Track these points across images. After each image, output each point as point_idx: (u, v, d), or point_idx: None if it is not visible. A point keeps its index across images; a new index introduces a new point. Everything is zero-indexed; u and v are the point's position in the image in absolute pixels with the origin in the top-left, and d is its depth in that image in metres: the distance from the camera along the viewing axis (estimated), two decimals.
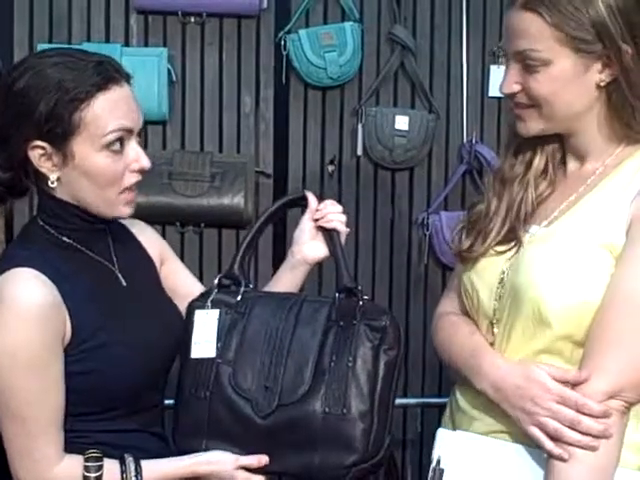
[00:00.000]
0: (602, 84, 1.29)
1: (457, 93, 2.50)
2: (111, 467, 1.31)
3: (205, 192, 2.36)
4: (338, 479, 1.34)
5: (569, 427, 1.23)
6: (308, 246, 1.51)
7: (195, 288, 1.54)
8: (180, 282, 1.55)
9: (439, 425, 1.45)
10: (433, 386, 2.52)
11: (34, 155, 1.31)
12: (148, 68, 2.31)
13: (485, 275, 1.38)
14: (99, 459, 1.30)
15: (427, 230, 2.44)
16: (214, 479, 1.36)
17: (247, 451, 1.36)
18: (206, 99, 2.44)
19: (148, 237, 1.54)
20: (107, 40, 2.40)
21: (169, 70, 2.36)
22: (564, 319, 1.27)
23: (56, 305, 1.29)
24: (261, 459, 1.35)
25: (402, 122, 2.44)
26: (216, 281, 1.45)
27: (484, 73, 2.48)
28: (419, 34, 2.48)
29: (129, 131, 1.33)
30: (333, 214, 1.49)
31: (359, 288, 1.40)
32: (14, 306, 1.27)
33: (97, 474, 1.29)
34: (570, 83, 1.28)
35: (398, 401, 2.34)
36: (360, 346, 1.35)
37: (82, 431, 1.34)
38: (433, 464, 1.36)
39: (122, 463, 1.32)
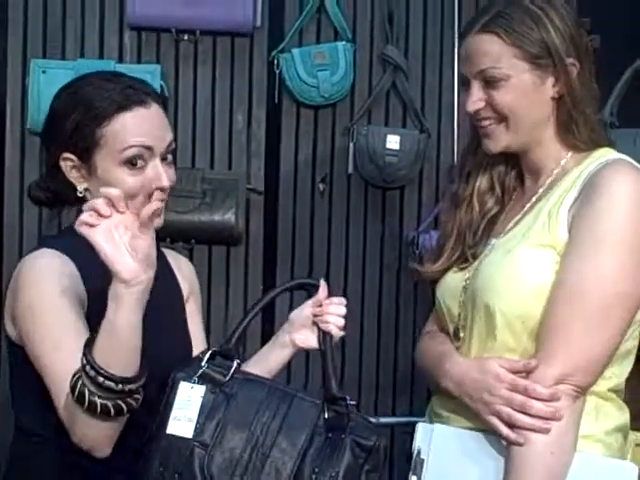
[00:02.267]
0: (555, 96, 1.41)
1: (448, 113, 2.52)
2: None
3: (196, 208, 2.36)
4: None
5: (521, 412, 1.31)
6: (300, 332, 1.45)
7: (197, 340, 1.53)
8: (189, 326, 1.55)
9: (411, 444, 1.46)
10: (422, 405, 2.50)
11: (65, 166, 1.41)
12: None
13: (450, 286, 1.49)
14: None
15: (417, 248, 2.44)
16: None
17: None
18: (198, 116, 2.45)
19: (185, 272, 1.59)
20: (101, 56, 2.41)
21: (162, 87, 2.36)
22: (513, 313, 1.37)
23: (72, 273, 1.36)
24: None
25: (393, 141, 2.45)
26: (207, 355, 1.34)
27: None
28: (411, 54, 2.51)
29: (149, 149, 1.38)
30: (332, 316, 1.42)
31: (347, 399, 1.32)
32: (31, 271, 1.35)
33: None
34: (529, 94, 1.40)
35: (386, 420, 2.36)
36: (345, 462, 1.28)
37: (66, 447, 1.31)
38: (414, 455, 1.42)
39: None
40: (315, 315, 1.44)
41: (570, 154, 1.44)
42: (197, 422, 1.29)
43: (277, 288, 1.47)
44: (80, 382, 1.21)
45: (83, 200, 1.38)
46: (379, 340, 2.53)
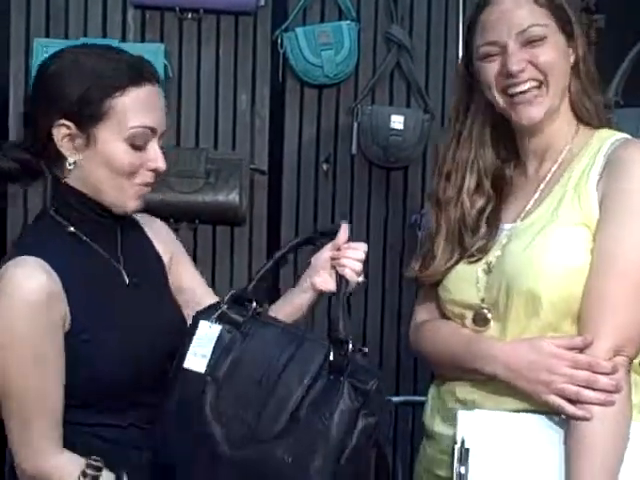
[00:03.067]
0: (572, 65, 1.45)
1: (452, 93, 2.51)
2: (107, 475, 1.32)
3: (200, 189, 2.36)
4: None
5: (586, 388, 1.32)
6: (320, 275, 1.47)
7: (205, 291, 1.57)
8: (190, 285, 1.56)
9: (414, 423, 1.47)
10: (425, 384, 2.52)
11: (58, 133, 1.34)
12: None
13: (462, 277, 1.47)
14: (99, 469, 1.31)
15: (420, 229, 2.45)
16: None
17: (208, 477, 1.33)
18: (202, 96, 2.44)
19: (161, 236, 1.55)
20: (104, 35, 2.40)
21: (166, 66, 2.36)
22: (555, 292, 1.36)
23: (56, 295, 1.30)
24: None
25: (397, 121, 2.45)
26: (227, 297, 1.42)
27: None
28: (415, 34, 2.50)
29: (153, 130, 1.37)
30: (348, 260, 1.43)
31: (350, 343, 1.33)
32: (15, 294, 1.29)
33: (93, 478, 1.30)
34: (562, 56, 1.44)
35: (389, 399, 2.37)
36: (341, 405, 1.29)
37: (77, 423, 1.35)
38: (458, 445, 1.38)
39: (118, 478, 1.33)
40: (333, 259, 1.45)
41: (580, 130, 1.46)
42: (211, 359, 1.36)
43: (299, 238, 1.52)
44: None
45: (56, 174, 1.36)
46: (382, 320, 2.54)
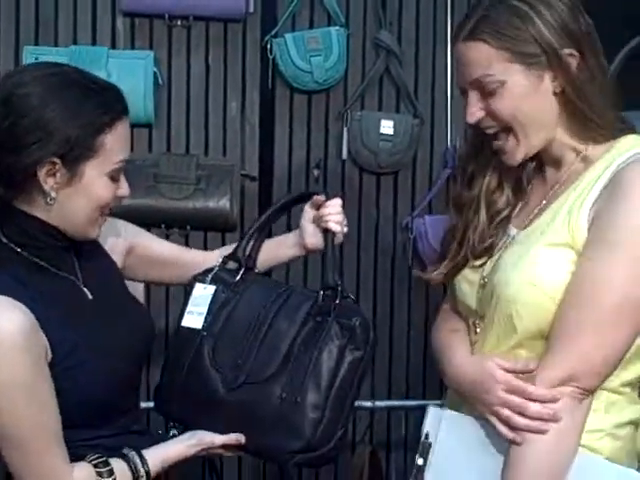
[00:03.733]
0: (557, 91, 1.35)
1: (441, 98, 2.52)
2: (118, 466, 1.36)
3: (191, 195, 2.37)
4: (283, 462, 1.43)
5: (519, 413, 1.31)
6: (309, 234, 1.61)
7: (176, 250, 1.68)
8: (156, 251, 1.63)
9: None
10: (417, 388, 2.53)
11: (45, 171, 1.30)
12: (134, 71, 2.32)
13: (469, 280, 1.46)
14: (107, 463, 1.35)
15: (411, 234, 2.45)
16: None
17: (210, 422, 1.45)
18: (192, 102, 2.45)
19: (111, 235, 1.54)
20: (94, 43, 2.39)
21: (155, 73, 2.36)
22: (530, 315, 1.34)
23: (34, 331, 1.28)
24: (239, 438, 1.43)
25: (387, 126, 2.45)
26: (219, 260, 1.54)
27: None
28: (404, 39, 2.50)
29: (127, 162, 1.38)
30: (331, 215, 1.56)
31: (340, 287, 1.45)
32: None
33: (110, 472, 1.34)
34: (529, 95, 1.34)
35: (382, 403, 2.39)
36: (328, 342, 1.41)
37: (66, 442, 1.35)
38: (422, 438, 1.43)
39: (126, 459, 1.37)
40: (316, 217, 1.59)
41: (590, 145, 1.38)
42: (207, 315, 1.49)
43: (279, 201, 1.65)
44: None
45: (12, 204, 1.32)
46: (374, 323, 2.53)
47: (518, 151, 1.38)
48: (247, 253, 1.57)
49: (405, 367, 2.54)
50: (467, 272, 1.47)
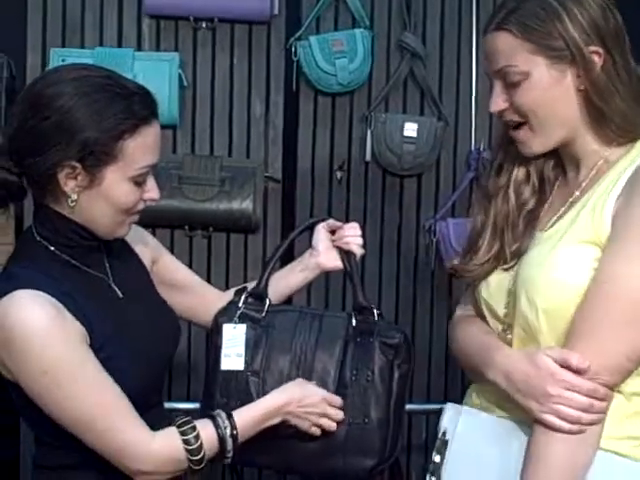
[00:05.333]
0: (581, 88, 1.35)
1: (466, 100, 2.51)
2: (205, 426, 1.37)
3: (214, 196, 2.38)
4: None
5: (575, 407, 1.30)
6: (325, 254, 1.62)
7: (193, 278, 1.67)
8: (176, 275, 1.63)
9: None
10: (438, 392, 2.52)
11: (62, 172, 1.32)
12: (160, 73, 2.33)
13: (494, 287, 1.45)
14: (194, 428, 1.35)
15: (434, 236, 2.45)
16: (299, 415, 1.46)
17: (276, 459, 1.48)
18: (216, 104, 2.46)
19: (139, 240, 1.56)
20: (120, 45, 2.41)
21: (180, 75, 2.37)
22: (554, 315, 1.34)
23: (65, 316, 1.30)
24: (337, 401, 1.48)
25: (411, 129, 2.45)
26: (243, 297, 1.55)
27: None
28: (429, 41, 2.50)
29: (153, 167, 1.38)
30: (352, 237, 1.60)
31: (374, 307, 1.53)
32: (27, 334, 1.27)
33: (196, 437, 1.35)
34: (550, 90, 1.35)
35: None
36: (377, 361, 1.49)
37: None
38: (439, 435, 1.45)
39: (213, 420, 1.38)
40: (334, 240, 1.61)
41: (613, 146, 1.37)
42: (245, 355, 1.50)
43: (295, 230, 1.67)
44: (199, 440, 1.34)
45: (45, 202, 1.35)
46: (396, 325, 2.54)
47: (534, 142, 1.39)
48: (266, 286, 1.59)
49: (427, 370, 2.53)
50: (493, 279, 1.46)
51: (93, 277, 1.42)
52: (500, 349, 1.40)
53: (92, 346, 1.33)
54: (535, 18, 1.33)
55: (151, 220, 1.60)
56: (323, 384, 1.48)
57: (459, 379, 2.45)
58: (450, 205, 2.49)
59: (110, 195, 1.34)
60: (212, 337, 1.53)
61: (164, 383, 1.54)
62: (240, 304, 1.53)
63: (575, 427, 1.30)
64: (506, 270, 1.44)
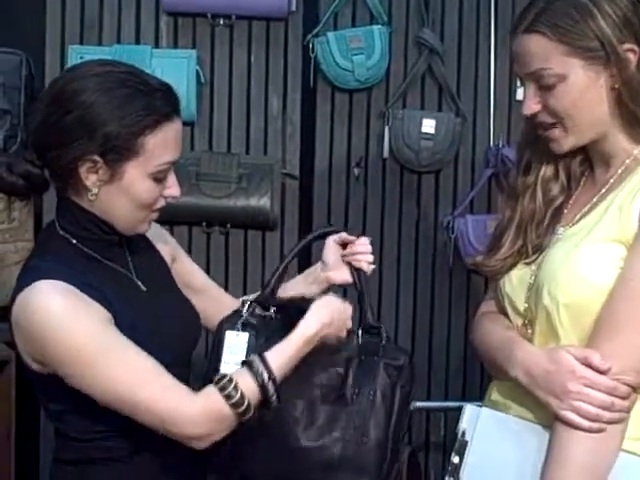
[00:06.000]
0: (615, 87, 1.33)
1: (484, 96, 2.50)
2: (242, 376, 1.34)
3: (232, 193, 2.38)
4: None
5: (596, 405, 1.28)
6: (335, 269, 1.58)
7: (209, 282, 1.66)
8: (193, 278, 1.62)
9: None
10: (456, 390, 2.52)
11: (84, 166, 1.33)
12: (177, 70, 2.33)
13: (515, 282, 1.44)
14: (225, 376, 1.33)
15: (452, 233, 2.44)
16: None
17: (274, 469, 1.43)
18: (234, 101, 2.46)
19: (159, 238, 1.57)
20: (137, 42, 2.42)
21: (198, 72, 2.38)
22: (576, 314, 1.33)
23: (86, 301, 1.31)
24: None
25: (429, 125, 2.44)
26: (247, 305, 1.50)
27: (511, 77, 2.47)
28: (447, 37, 2.49)
29: (174, 163, 1.38)
30: (363, 254, 1.55)
31: (382, 327, 1.49)
32: (51, 318, 1.28)
33: (235, 389, 1.32)
34: (586, 92, 1.33)
35: (421, 404, 2.38)
36: (380, 381, 1.45)
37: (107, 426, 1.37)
38: (458, 436, 1.43)
39: (250, 368, 1.35)
40: (344, 255, 1.57)
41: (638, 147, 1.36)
42: None
43: (304, 239, 1.61)
44: (241, 388, 1.32)
45: (66, 195, 1.36)
46: (414, 325, 2.54)
47: (566, 141, 1.37)
48: (274, 295, 1.54)
49: (445, 368, 2.52)
50: (516, 273, 1.45)
51: (115, 271, 1.43)
52: (521, 346, 1.39)
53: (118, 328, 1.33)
54: (567, 18, 1.30)
55: (169, 217, 1.60)
56: (323, 398, 1.45)
57: (478, 377, 2.44)
58: (468, 202, 2.48)
59: (130, 190, 1.35)
60: (214, 342, 1.49)
61: (188, 380, 1.50)
62: (244, 312, 1.49)
63: (595, 425, 1.29)
64: (527, 265, 1.43)
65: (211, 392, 1.33)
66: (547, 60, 1.32)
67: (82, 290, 1.32)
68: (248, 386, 1.33)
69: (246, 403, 1.32)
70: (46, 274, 1.32)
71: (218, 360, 1.45)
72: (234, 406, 1.32)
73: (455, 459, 1.42)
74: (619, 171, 1.38)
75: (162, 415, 1.30)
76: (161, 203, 1.41)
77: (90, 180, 1.34)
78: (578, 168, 1.45)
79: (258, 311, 1.50)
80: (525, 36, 1.34)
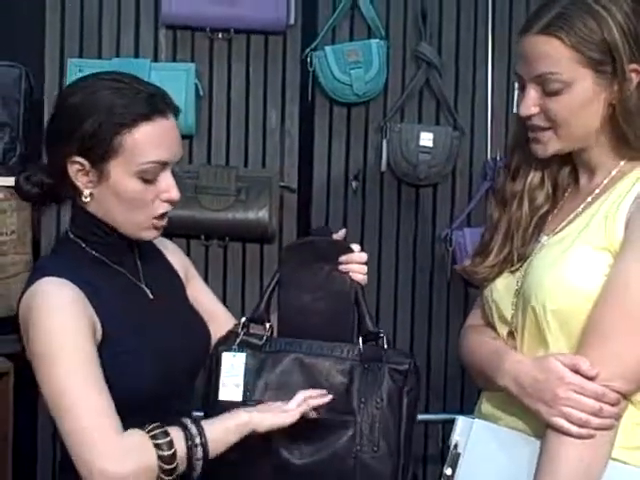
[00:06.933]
0: (612, 103, 1.33)
1: (481, 110, 2.51)
2: (175, 434, 1.30)
3: (230, 206, 2.38)
4: None
5: (592, 414, 1.28)
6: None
7: (218, 307, 1.60)
8: (204, 302, 1.58)
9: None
10: (454, 402, 2.51)
11: (72, 169, 1.36)
12: (176, 83, 2.34)
13: (501, 290, 1.45)
14: (166, 434, 1.29)
15: (450, 246, 2.44)
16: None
17: None
18: (232, 114, 2.47)
19: (172, 252, 1.58)
20: (136, 55, 2.43)
21: (196, 85, 2.39)
22: (563, 320, 1.33)
23: (82, 303, 1.33)
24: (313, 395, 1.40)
25: (426, 139, 2.45)
26: (242, 324, 1.48)
27: (508, 90, 2.49)
28: (444, 51, 2.50)
29: (163, 164, 1.37)
30: (359, 266, 1.51)
31: (382, 333, 1.47)
32: (42, 309, 1.31)
33: (169, 444, 1.28)
34: (589, 103, 1.33)
35: (419, 417, 2.37)
36: (386, 388, 1.43)
37: None
38: (450, 448, 1.42)
39: (184, 428, 1.31)
40: (339, 263, 1.51)
41: (626, 159, 1.37)
42: (247, 384, 1.43)
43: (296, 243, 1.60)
44: (171, 450, 1.28)
45: (67, 197, 1.40)
46: (412, 337, 2.54)
47: (553, 146, 1.37)
48: (268, 309, 1.51)
49: (443, 380, 2.52)
50: (500, 282, 1.46)
51: (123, 276, 1.43)
52: (509, 355, 1.40)
53: (105, 339, 1.34)
54: (584, 27, 1.29)
55: (167, 229, 1.59)
56: (330, 413, 1.41)
57: (476, 389, 2.44)
58: (466, 215, 2.49)
59: (118, 190, 1.36)
60: (211, 366, 1.46)
61: (192, 392, 1.49)
62: (239, 331, 1.46)
63: (584, 431, 1.29)
64: (512, 273, 1.44)
65: (135, 435, 1.29)
66: (558, 65, 1.30)
67: (82, 288, 1.33)
68: (179, 443, 1.29)
69: (175, 463, 1.28)
70: (52, 271, 1.35)
71: (215, 383, 1.43)
72: (162, 459, 1.28)
73: (448, 471, 1.42)
74: (604, 181, 1.38)
75: (80, 439, 1.27)
76: (163, 208, 1.40)
77: (81, 181, 1.36)
78: (565, 179, 1.45)
79: (252, 332, 1.47)
80: (539, 38, 1.31)
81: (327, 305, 1.48)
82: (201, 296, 1.59)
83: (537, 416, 1.33)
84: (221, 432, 1.33)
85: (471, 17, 2.51)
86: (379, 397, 1.42)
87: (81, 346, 1.31)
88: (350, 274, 1.51)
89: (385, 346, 1.46)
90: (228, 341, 1.47)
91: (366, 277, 1.53)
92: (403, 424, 1.43)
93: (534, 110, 1.35)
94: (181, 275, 1.57)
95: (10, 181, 2.12)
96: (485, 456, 1.40)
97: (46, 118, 2.39)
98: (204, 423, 1.33)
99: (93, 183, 1.36)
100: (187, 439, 1.29)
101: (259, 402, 1.41)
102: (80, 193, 1.37)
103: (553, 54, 1.30)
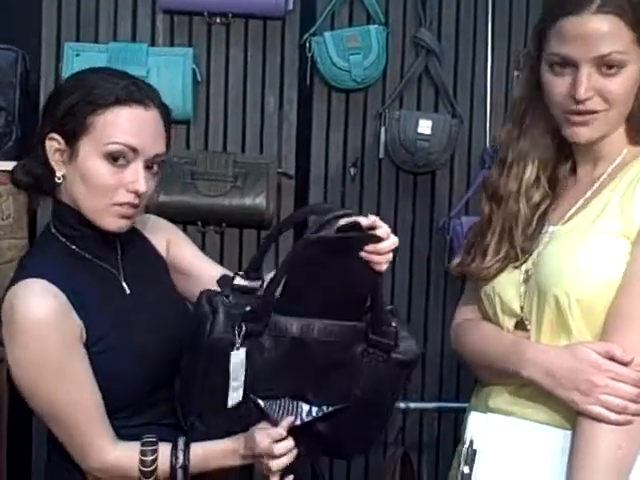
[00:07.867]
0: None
1: (481, 98, 2.50)
2: (163, 450, 1.39)
3: (227, 192, 2.37)
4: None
5: (629, 400, 1.30)
6: None
7: (192, 263, 1.60)
8: (180, 262, 1.59)
9: (455, 429, 1.47)
10: (450, 390, 2.51)
11: (50, 146, 1.39)
12: (173, 68, 2.32)
13: (506, 283, 1.44)
14: (154, 444, 1.38)
15: (448, 234, 2.43)
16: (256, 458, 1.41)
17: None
18: (230, 99, 2.45)
19: (152, 231, 1.57)
20: (134, 40, 2.41)
21: (194, 70, 2.37)
22: (585, 308, 1.33)
23: (66, 313, 1.34)
24: (288, 420, 1.40)
25: (425, 126, 2.44)
26: (231, 278, 1.45)
27: (508, 78, 2.48)
28: (444, 38, 2.48)
29: (134, 150, 1.37)
30: (385, 256, 1.42)
31: (392, 323, 1.43)
32: (25, 321, 1.32)
33: (152, 457, 1.37)
34: (635, 84, 1.34)
35: (415, 405, 2.37)
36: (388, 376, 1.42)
37: None
38: (466, 445, 1.40)
39: (174, 447, 1.39)
40: (365, 251, 1.44)
41: (629, 146, 1.39)
42: (246, 377, 1.39)
43: (300, 210, 1.61)
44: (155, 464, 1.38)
45: (54, 191, 1.41)
46: (408, 324, 2.53)
47: (601, 129, 1.37)
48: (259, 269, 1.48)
49: (439, 369, 2.52)
50: (505, 275, 1.44)
51: (102, 270, 1.44)
52: (530, 346, 1.39)
53: (88, 340, 1.36)
54: (638, 5, 1.30)
55: (164, 215, 1.59)
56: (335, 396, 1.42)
57: (472, 378, 2.44)
58: (464, 203, 2.47)
59: (83, 171, 1.37)
60: (199, 316, 1.39)
61: (173, 380, 1.50)
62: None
63: (622, 417, 1.29)
64: (517, 267, 1.43)
65: (128, 448, 1.39)
66: (619, 43, 1.30)
67: (64, 291, 1.34)
68: (163, 461, 1.38)
69: (153, 477, 1.38)
70: (35, 272, 1.35)
71: (226, 385, 1.39)
72: (143, 474, 1.37)
73: (465, 469, 1.39)
74: (609, 169, 1.39)
75: (75, 444, 1.37)
76: (126, 197, 1.38)
77: (55, 161, 1.39)
78: (560, 171, 1.45)
79: (240, 281, 1.44)
80: (599, 16, 1.30)
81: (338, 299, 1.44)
82: (180, 257, 1.60)
83: (570, 406, 1.33)
84: (203, 461, 1.41)
85: (471, 4, 2.49)
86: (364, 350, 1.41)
87: (70, 357, 1.34)
88: (374, 266, 1.42)
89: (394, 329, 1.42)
90: (230, 330, 1.39)
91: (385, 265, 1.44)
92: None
93: (591, 92, 1.33)
94: (163, 252, 1.57)
95: (6, 165, 2.11)
96: (504, 450, 1.38)
97: (42, 101, 2.40)
98: (194, 446, 1.40)
99: (65, 163, 1.38)
100: (172, 460, 1.38)
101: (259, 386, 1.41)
102: (54, 174, 1.39)
103: (615, 33, 1.30)
